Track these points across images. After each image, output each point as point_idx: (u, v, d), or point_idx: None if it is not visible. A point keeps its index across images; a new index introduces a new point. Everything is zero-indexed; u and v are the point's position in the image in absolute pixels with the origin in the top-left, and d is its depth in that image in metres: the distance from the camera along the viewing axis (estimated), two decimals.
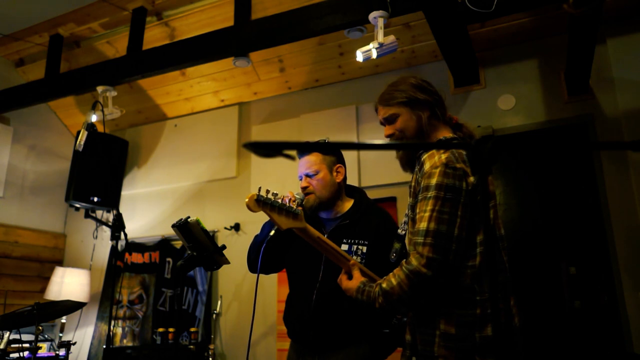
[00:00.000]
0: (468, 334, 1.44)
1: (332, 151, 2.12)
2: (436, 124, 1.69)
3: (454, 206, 1.47)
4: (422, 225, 1.47)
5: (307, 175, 2.06)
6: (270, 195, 1.67)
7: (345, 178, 2.13)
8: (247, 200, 1.63)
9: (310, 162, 2.06)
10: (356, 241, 1.97)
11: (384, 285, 1.52)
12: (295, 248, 2.09)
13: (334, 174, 2.08)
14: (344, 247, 1.97)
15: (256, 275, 1.95)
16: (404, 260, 1.52)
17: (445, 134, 1.69)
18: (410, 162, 1.72)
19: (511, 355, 1.41)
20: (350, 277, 1.70)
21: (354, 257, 1.90)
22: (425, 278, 1.43)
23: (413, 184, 1.64)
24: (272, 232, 1.96)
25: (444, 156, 1.52)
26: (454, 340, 1.45)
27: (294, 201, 1.95)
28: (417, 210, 1.53)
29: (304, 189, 2.06)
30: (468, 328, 1.45)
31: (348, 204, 2.10)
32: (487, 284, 1.47)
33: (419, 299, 1.50)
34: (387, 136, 1.72)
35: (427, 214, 1.47)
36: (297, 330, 2.02)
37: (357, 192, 2.16)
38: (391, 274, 1.53)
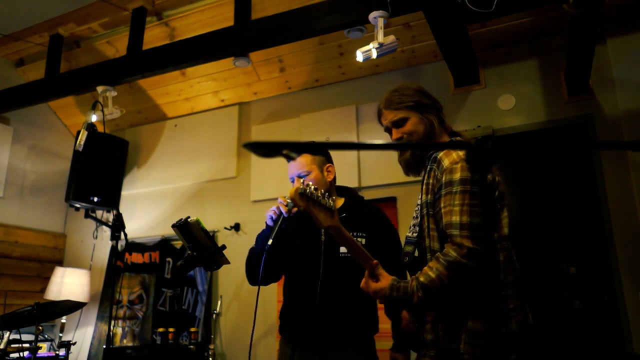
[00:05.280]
0: (495, 330, 1.46)
1: (321, 151, 2.15)
2: (441, 129, 1.73)
3: (480, 199, 1.49)
4: (455, 218, 1.48)
5: (300, 177, 2.10)
6: (313, 190, 1.59)
7: (335, 177, 2.18)
8: (291, 193, 1.55)
9: (301, 163, 2.10)
10: (355, 233, 2.00)
11: (421, 279, 1.49)
12: (294, 246, 2.12)
13: (325, 173, 2.13)
14: None
15: (257, 284, 1.98)
16: (439, 253, 1.51)
17: (446, 138, 1.74)
18: (417, 165, 1.73)
19: (532, 352, 1.46)
20: (375, 278, 1.59)
21: None
22: (466, 269, 1.44)
23: (431, 181, 1.62)
24: (270, 242, 1.96)
25: (461, 152, 1.55)
26: (481, 337, 1.46)
27: (285, 205, 1.98)
28: (442, 205, 1.53)
29: None
30: (495, 324, 1.45)
31: (340, 202, 2.14)
32: (510, 280, 1.53)
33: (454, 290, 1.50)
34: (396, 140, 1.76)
35: (457, 208, 1.49)
36: (297, 326, 2.02)
37: (347, 190, 2.22)
38: (426, 267, 1.50)
